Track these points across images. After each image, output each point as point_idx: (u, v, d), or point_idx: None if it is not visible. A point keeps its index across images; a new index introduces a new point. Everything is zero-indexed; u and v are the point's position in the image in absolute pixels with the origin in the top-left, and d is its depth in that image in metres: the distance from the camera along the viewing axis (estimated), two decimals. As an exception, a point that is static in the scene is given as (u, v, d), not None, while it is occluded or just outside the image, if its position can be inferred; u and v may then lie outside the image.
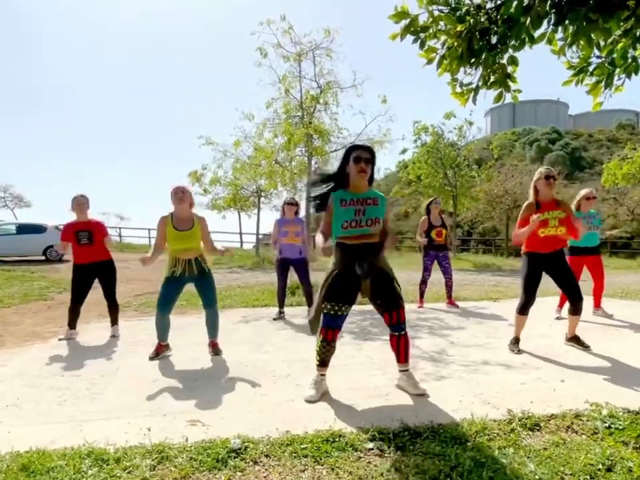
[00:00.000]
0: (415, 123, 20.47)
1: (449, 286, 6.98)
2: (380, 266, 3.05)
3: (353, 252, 2.99)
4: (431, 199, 7.09)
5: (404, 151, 20.78)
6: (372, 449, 2.33)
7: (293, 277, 6.85)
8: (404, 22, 2.54)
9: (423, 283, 6.97)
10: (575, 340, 4.37)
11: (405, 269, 13.49)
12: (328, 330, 3.08)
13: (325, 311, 3.08)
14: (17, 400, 3.11)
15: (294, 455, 2.27)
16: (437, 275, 7.24)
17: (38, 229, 15.93)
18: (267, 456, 2.27)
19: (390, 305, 3.06)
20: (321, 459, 2.23)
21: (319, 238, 2.97)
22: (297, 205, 6.29)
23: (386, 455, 2.28)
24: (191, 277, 4.17)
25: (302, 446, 2.33)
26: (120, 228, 29.10)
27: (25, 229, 16.10)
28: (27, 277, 10.97)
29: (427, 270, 6.93)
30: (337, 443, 2.38)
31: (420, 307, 6.90)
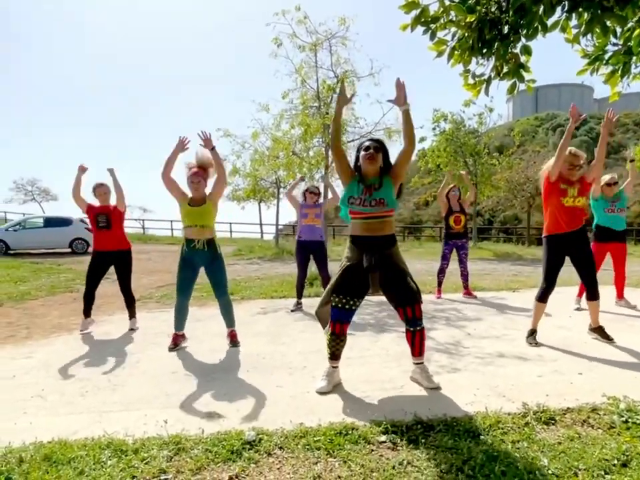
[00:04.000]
0: (434, 111, 20.18)
1: (464, 276, 6.93)
2: (392, 260, 3.03)
3: (362, 245, 3.03)
4: (449, 187, 7.01)
5: (422, 140, 20.45)
6: (384, 442, 2.35)
7: (311, 268, 6.91)
8: (414, 12, 2.51)
9: (441, 272, 6.93)
10: (599, 331, 4.25)
11: (424, 259, 13.42)
12: (336, 323, 3.08)
13: (333, 304, 3.08)
14: (41, 391, 3.22)
15: (307, 447, 2.30)
16: (455, 265, 7.18)
17: (64, 222, 16.33)
18: (280, 448, 2.31)
19: (403, 300, 3.02)
20: (333, 452, 2.26)
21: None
22: (318, 194, 6.33)
23: (398, 448, 2.29)
24: (202, 260, 4.22)
25: (315, 438, 2.36)
26: (143, 220, 29.69)
27: (51, 222, 16.54)
28: (53, 269, 11.27)
29: (444, 258, 6.89)
30: (350, 435, 2.40)
31: (438, 297, 6.87)
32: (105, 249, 5.07)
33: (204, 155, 4.22)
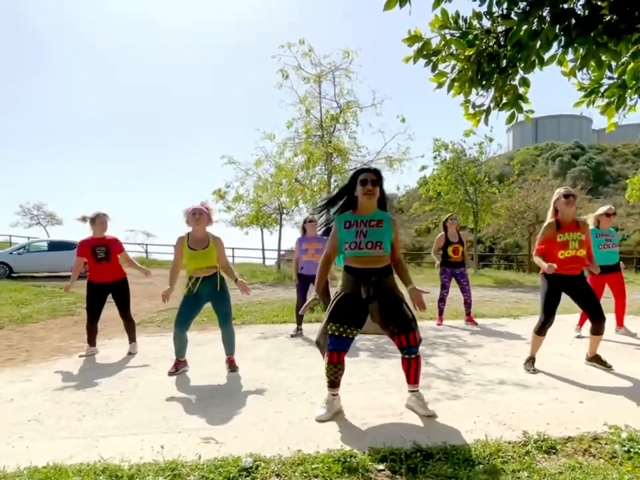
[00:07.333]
0: (434, 140, 20.46)
1: (467, 304, 6.90)
2: (387, 288, 3.02)
3: (358, 276, 3.00)
4: (447, 216, 7.06)
5: (423, 168, 20.75)
6: (383, 470, 2.32)
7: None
8: (417, 45, 2.60)
9: (441, 300, 6.90)
10: (596, 359, 4.27)
11: (425, 285, 13.35)
12: (333, 352, 3.01)
13: (330, 332, 3.03)
14: (38, 415, 3.19)
15: (305, 474, 2.27)
16: (456, 292, 7.16)
17: (68, 246, 16.32)
18: (277, 475, 2.28)
19: (400, 328, 2.99)
20: (331, 480, 2.23)
21: (321, 261, 3.20)
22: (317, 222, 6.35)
23: (397, 476, 2.26)
24: (208, 295, 4.28)
25: (313, 466, 2.33)
26: (146, 245, 29.78)
27: (56, 246, 16.58)
28: (55, 293, 11.23)
29: (444, 287, 6.88)
30: (348, 463, 2.37)
31: (439, 324, 6.83)
32: (104, 280, 5.08)
33: (207, 202, 4.39)
